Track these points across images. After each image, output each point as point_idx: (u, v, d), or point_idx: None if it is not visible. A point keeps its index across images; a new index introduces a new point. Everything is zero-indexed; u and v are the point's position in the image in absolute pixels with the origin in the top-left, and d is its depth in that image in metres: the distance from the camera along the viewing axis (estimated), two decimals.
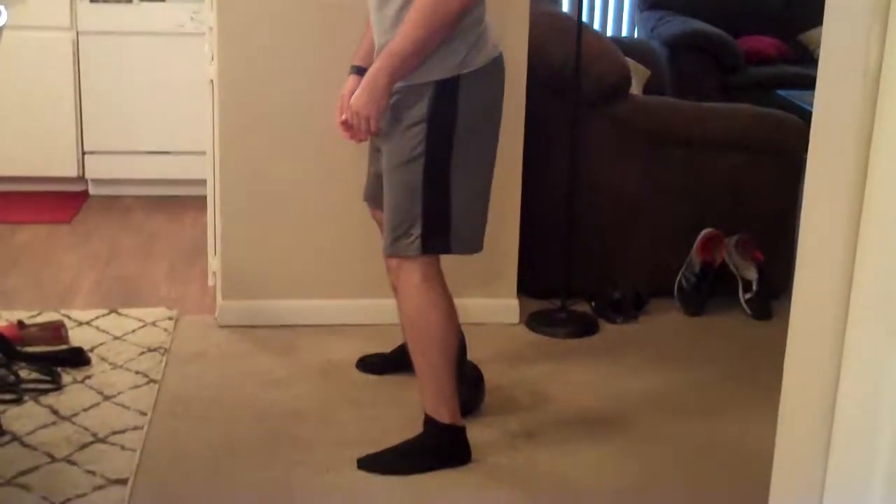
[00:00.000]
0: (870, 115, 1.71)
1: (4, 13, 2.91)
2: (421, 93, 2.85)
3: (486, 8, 2.93)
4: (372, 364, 3.64)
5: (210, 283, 4.21)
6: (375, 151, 3.10)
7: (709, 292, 4.28)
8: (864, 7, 1.66)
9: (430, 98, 2.85)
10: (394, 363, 3.58)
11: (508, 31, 3.76)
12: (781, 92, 5.67)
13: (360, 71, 3.04)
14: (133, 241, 4.96)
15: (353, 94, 2.91)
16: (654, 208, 4.29)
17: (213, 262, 4.12)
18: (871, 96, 1.71)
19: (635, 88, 4.71)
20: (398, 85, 2.84)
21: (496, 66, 2.96)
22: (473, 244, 3.03)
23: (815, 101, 1.86)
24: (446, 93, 2.86)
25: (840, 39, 1.78)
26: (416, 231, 2.92)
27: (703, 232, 4.28)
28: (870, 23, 1.66)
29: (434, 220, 2.92)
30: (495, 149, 3.04)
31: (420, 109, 2.86)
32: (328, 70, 3.60)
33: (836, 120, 1.77)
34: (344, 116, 2.93)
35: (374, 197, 3.17)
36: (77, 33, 5.37)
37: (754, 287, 4.26)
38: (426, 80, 2.84)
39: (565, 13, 4.49)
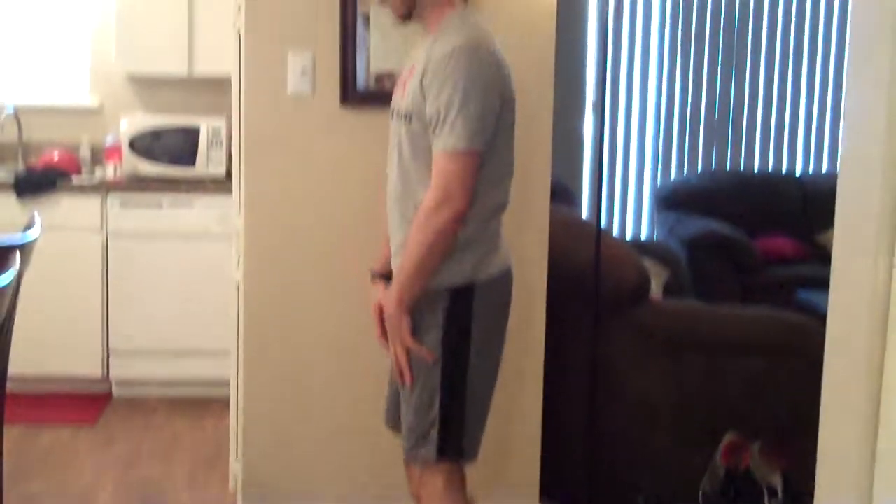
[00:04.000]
0: (881, 323, 1.74)
1: (38, 225, 2.96)
2: (436, 299, 2.89)
3: (502, 222, 2.99)
4: None
5: (231, 486, 4.19)
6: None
7: (733, 499, 4.22)
8: (872, 231, 1.72)
9: (446, 304, 2.89)
10: None
11: (528, 239, 3.84)
12: (803, 294, 5.69)
13: (384, 277, 3.11)
14: (156, 443, 4.96)
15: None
16: (675, 412, 4.27)
17: (235, 466, 4.11)
18: (881, 309, 1.74)
19: (655, 289, 4.74)
20: None
21: (507, 276, 3.01)
22: (476, 451, 3.00)
23: (829, 316, 1.90)
24: (462, 299, 2.90)
25: (850, 261, 1.82)
26: (434, 435, 2.91)
27: (727, 438, 4.24)
28: (876, 242, 1.71)
29: (450, 424, 2.92)
30: (500, 359, 3.05)
31: (437, 315, 2.90)
32: (353, 276, 3.67)
33: (851, 326, 1.80)
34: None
35: (396, 420, 3.11)
36: (107, 234, 5.49)
37: (780, 495, 4.21)
38: (440, 288, 2.89)
39: (584, 220, 4.56)
